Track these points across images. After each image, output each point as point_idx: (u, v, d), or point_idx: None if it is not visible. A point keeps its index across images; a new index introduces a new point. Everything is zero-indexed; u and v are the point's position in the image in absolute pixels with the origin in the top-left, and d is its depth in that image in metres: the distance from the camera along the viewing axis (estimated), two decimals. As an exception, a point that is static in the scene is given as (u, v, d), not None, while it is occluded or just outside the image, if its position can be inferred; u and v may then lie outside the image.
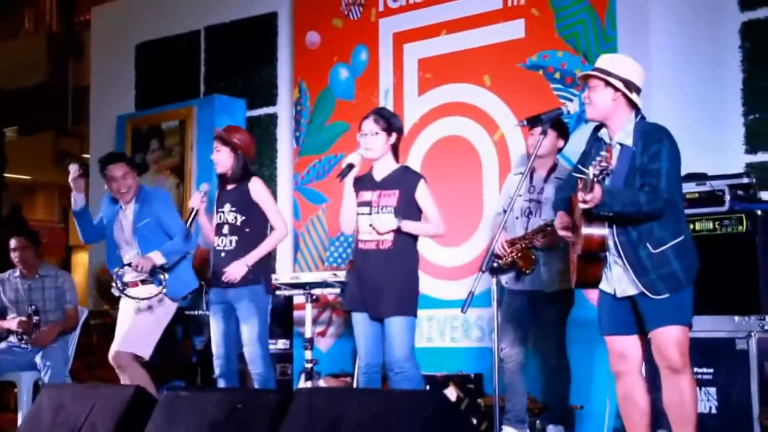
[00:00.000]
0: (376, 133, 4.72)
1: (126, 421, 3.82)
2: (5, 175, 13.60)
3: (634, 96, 3.93)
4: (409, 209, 4.68)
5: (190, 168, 7.93)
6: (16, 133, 13.72)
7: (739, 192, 5.36)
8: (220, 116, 7.89)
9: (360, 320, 4.70)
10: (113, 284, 5.33)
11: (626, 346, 3.96)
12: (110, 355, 5.30)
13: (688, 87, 6.01)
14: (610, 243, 3.88)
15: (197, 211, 5.19)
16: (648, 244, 3.83)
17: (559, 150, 5.31)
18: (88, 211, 5.51)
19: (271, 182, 7.58)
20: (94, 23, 9.78)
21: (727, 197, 5.29)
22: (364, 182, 4.81)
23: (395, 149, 4.81)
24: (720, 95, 5.96)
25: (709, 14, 6.07)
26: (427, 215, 4.71)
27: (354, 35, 7.22)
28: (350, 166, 4.70)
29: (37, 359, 6.30)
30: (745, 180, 5.42)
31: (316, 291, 5.99)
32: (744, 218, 5.25)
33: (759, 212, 5.25)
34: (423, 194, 4.72)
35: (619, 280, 3.93)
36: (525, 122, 4.21)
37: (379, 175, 4.79)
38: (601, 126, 4.04)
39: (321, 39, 7.41)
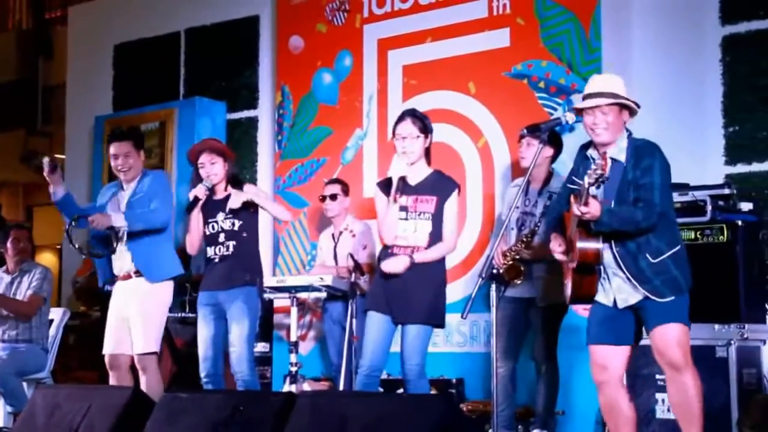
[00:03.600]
0: (417, 137, 4.66)
1: (123, 423, 3.80)
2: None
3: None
4: (442, 218, 4.67)
5: (171, 170, 7.89)
6: (-19, 131, 13.56)
7: (720, 202, 5.48)
8: (200, 119, 7.89)
9: (377, 321, 4.65)
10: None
11: (608, 357, 4.03)
12: (135, 359, 5.16)
13: (669, 98, 6.10)
14: (609, 256, 3.97)
15: (199, 201, 5.16)
16: (647, 255, 3.93)
17: (553, 160, 5.36)
18: (70, 196, 5.35)
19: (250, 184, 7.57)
20: (72, 22, 9.69)
21: (709, 207, 5.40)
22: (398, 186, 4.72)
23: (428, 152, 4.77)
24: (701, 107, 6.08)
25: (690, 28, 6.19)
26: (444, 228, 4.67)
27: (338, 41, 7.25)
28: (402, 179, 4.65)
29: None
30: (726, 191, 5.54)
31: (302, 295, 6.01)
32: (725, 228, 5.37)
33: (739, 222, 5.38)
34: (451, 206, 4.69)
35: (619, 290, 4.01)
36: (525, 132, 4.25)
37: (414, 179, 4.72)
38: (588, 144, 4.15)
39: (304, 43, 7.43)
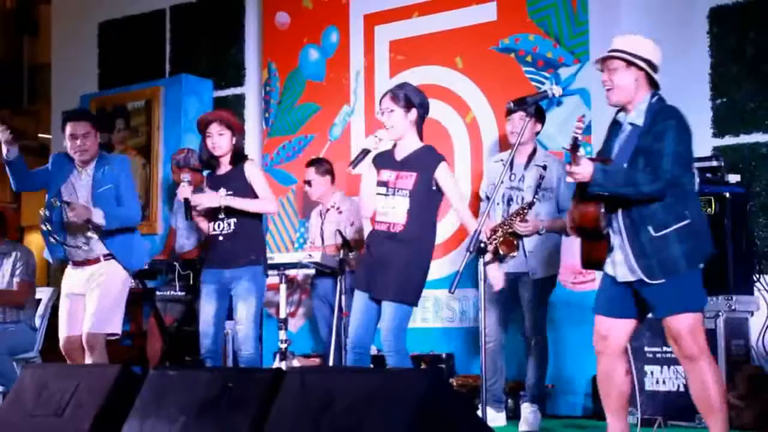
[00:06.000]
0: (392, 111, 4.54)
1: (112, 400, 3.76)
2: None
3: (656, 76, 3.86)
4: (427, 194, 4.53)
5: (157, 148, 7.86)
6: (-35, 110, 13.48)
7: (708, 175, 5.49)
8: (187, 96, 7.85)
9: (359, 299, 4.60)
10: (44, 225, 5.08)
11: (610, 329, 3.88)
12: (82, 336, 5.11)
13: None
14: (616, 226, 3.81)
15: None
16: (649, 227, 3.74)
17: (537, 134, 5.36)
18: (21, 159, 5.17)
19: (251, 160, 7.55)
20: (56, 0, 9.61)
21: (697, 180, 5.35)
22: (385, 160, 4.62)
23: (419, 127, 4.63)
24: (688, 79, 6.04)
25: (678, 0, 6.18)
26: (450, 200, 4.56)
27: (324, 16, 7.21)
28: (364, 152, 4.52)
29: None
30: (714, 163, 5.55)
31: (291, 272, 6.00)
32: (713, 201, 5.39)
33: (727, 195, 5.40)
34: (444, 176, 4.54)
35: (621, 265, 3.83)
36: (511, 105, 4.20)
37: (400, 154, 4.61)
38: (621, 109, 3.95)
39: (291, 19, 7.39)
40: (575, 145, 3.65)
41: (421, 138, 4.65)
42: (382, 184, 4.58)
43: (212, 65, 8.09)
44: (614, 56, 3.84)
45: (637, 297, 3.85)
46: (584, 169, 3.64)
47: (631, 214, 3.78)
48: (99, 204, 5.12)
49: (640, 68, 3.83)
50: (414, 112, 4.57)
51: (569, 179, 3.73)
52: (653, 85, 3.88)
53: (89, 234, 5.13)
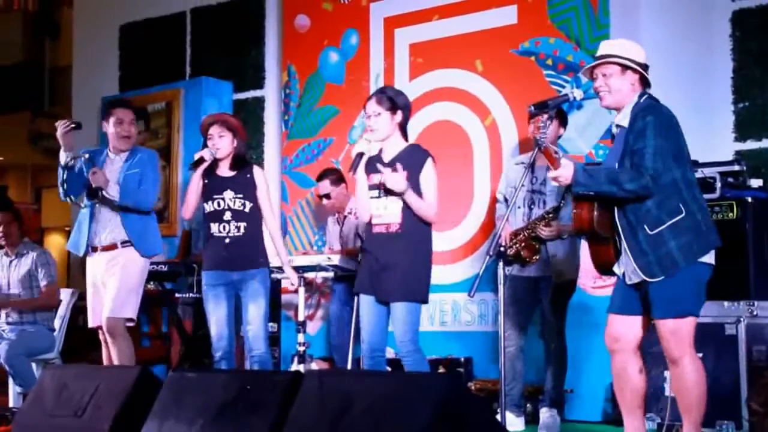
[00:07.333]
0: (379, 114, 4.62)
1: (131, 402, 3.79)
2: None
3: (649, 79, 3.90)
4: (417, 190, 4.59)
5: (177, 150, 7.90)
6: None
7: (730, 179, 5.45)
8: (207, 99, 7.88)
9: (366, 303, 4.63)
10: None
11: (621, 326, 3.92)
12: (102, 323, 5.23)
13: (678, 75, 6.05)
14: (618, 228, 3.82)
15: (204, 162, 5.13)
16: (645, 226, 3.76)
17: (559, 137, 5.33)
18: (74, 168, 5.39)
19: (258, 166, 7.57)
20: (77, 3, 9.68)
21: (718, 184, 5.37)
22: (374, 164, 4.68)
23: (403, 128, 4.71)
24: (710, 83, 6.03)
25: (700, 3, 6.14)
26: (424, 196, 4.59)
27: (344, 19, 7.21)
28: (360, 155, 4.59)
29: None
30: (736, 167, 5.51)
31: (310, 275, 5.99)
32: (734, 205, 5.34)
33: (749, 199, 5.35)
34: (427, 174, 4.61)
35: (626, 267, 3.88)
36: (533, 108, 4.19)
37: (388, 155, 4.68)
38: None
39: (311, 22, 7.39)
40: (544, 147, 3.71)
41: (405, 138, 4.73)
42: (374, 187, 4.64)
43: (232, 68, 8.11)
44: (610, 61, 3.87)
45: (646, 295, 3.87)
46: (565, 171, 3.67)
47: (627, 215, 3.81)
48: (123, 184, 5.29)
49: (636, 72, 3.87)
50: (400, 114, 4.67)
51: (553, 183, 3.75)
52: (644, 85, 3.92)
53: (91, 202, 5.29)
